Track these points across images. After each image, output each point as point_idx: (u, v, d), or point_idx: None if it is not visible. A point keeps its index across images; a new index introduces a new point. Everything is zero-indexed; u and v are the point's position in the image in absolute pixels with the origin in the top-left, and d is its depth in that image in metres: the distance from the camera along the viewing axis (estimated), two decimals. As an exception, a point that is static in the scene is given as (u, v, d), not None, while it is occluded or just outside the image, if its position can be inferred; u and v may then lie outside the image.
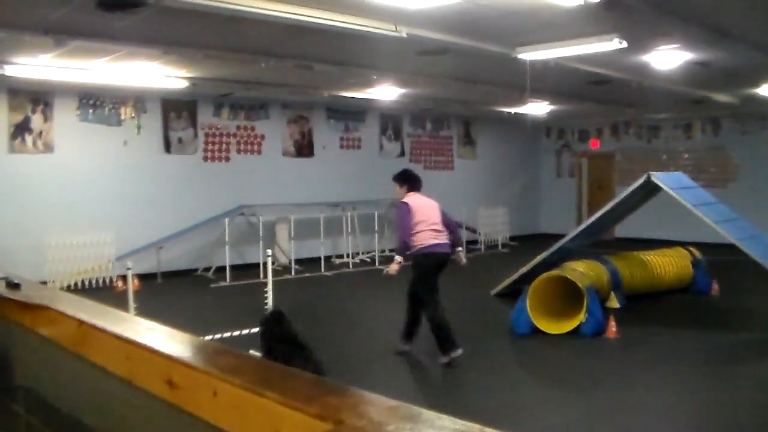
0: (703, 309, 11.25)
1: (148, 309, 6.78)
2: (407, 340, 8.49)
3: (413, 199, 8.40)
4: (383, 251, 16.91)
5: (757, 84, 14.11)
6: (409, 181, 8.65)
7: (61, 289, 11.85)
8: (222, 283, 13.33)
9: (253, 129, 15.94)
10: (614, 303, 10.80)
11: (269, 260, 8.02)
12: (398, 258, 8.26)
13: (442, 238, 8.29)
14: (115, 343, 2.09)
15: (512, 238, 20.13)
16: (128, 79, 11.81)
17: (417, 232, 8.12)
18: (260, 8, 7.29)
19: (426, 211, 8.32)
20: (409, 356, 8.45)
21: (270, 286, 7.65)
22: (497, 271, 13.40)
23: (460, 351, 7.96)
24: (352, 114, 17.70)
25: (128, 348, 2.03)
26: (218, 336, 7.92)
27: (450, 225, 8.62)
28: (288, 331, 6.64)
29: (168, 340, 2.06)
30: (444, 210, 8.72)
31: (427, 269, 8.23)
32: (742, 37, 9.68)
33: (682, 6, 7.90)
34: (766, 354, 8.56)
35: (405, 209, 8.24)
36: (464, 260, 8.93)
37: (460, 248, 8.82)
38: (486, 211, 19.29)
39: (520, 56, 10.14)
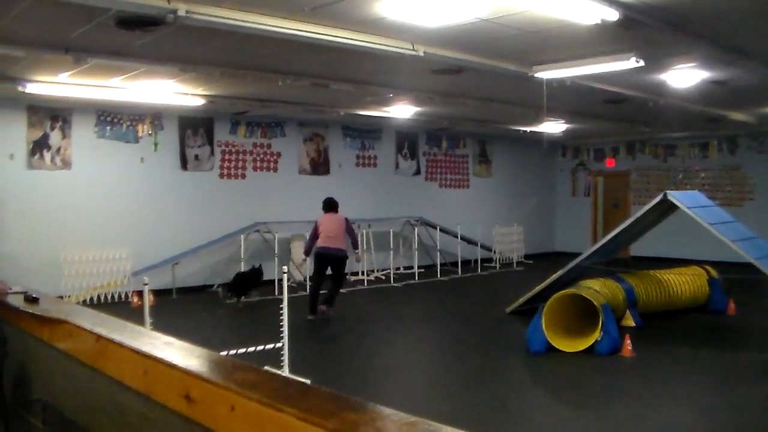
0: (719, 328, 11.17)
1: (164, 324, 6.79)
2: (312, 312, 11.69)
3: (323, 217, 12.08)
4: (398, 269, 16.92)
5: (774, 103, 14.07)
6: (325, 205, 12.32)
7: (78, 303, 11.90)
8: (236, 299, 13.33)
9: (269, 146, 16.00)
10: (630, 321, 10.75)
11: (285, 277, 8.03)
12: (304, 255, 12.79)
13: (332, 243, 11.74)
14: (133, 358, 2.10)
15: (527, 257, 20.09)
16: (146, 97, 11.90)
17: (318, 238, 11.84)
18: (276, 27, 7.35)
19: (326, 225, 11.89)
20: (422, 372, 8.44)
21: (285, 303, 7.65)
22: (512, 289, 13.39)
23: (311, 317, 11.57)
24: (368, 132, 17.74)
25: (146, 362, 2.04)
26: (233, 352, 7.91)
27: (350, 233, 12.10)
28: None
29: (186, 355, 2.07)
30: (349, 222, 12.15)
31: (316, 261, 11.94)
32: (759, 55, 9.66)
33: (699, 25, 7.90)
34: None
35: (315, 224, 12.13)
36: (358, 259, 13.20)
37: (357, 250, 12.76)
38: (501, 229, 19.27)
39: (536, 75, 10.15)
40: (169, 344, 2.21)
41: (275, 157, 16.10)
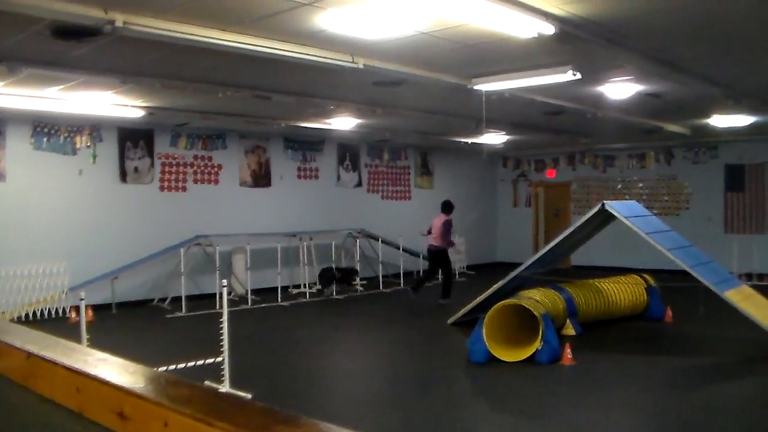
0: (657, 335, 11.38)
1: (102, 340, 6.70)
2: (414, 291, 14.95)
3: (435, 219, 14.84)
4: (341, 281, 16.89)
5: (707, 115, 14.41)
6: (443, 207, 14.98)
7: (12, 320, 11.67)
8: (178, 314, 13.20)
9: (210, 159, 15.88)
10: (570, 330, 10.90)
11: (224, 290, 7.97)
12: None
13: (432, 240, 14.62)
14: (65, 375, 2.06)
15: (469, 267, 20.25)
16: (84, 108, 11.71)
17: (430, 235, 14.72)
18: (216, 38, 7.32)
19: (433, 225, 14.70)
20: (366, 384, 8.44)
21: (225, 317, 7.59)
22: (454, 300, 13.47)
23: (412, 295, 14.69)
24: (309, 144, 17.72)
25: (78, 380, 2.01)
26: (173, 367, 7.83)
27: (443, 231, 14.47)
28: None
29: (120, 372, 2.04)
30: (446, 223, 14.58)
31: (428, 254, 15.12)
32: (692, 69, 9.90)
33: (633, 39, 8.07)
34: (718, 379, 8.67)
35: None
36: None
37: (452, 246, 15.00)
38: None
39: (476, 87, 10.26)
40: (102, 360, 2.18)
41: (216, 169, 15.99)
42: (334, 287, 16.01)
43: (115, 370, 2.07)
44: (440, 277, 15.25)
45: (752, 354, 9.69)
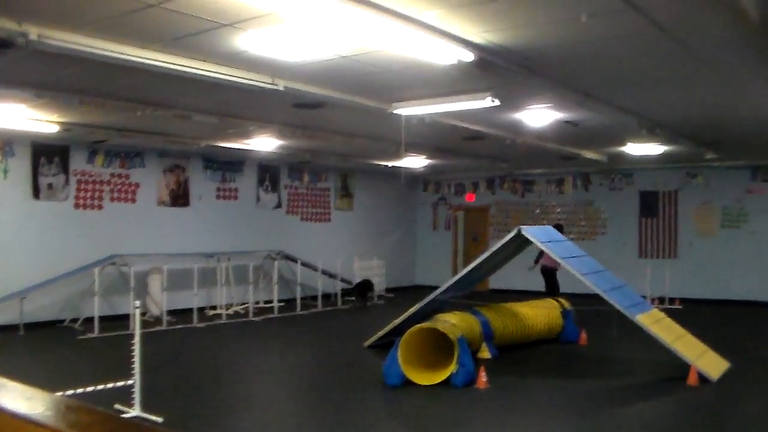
0: (571, 358, 11.57)
1: (5, 364, 6.52)
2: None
3: None
4: (257, 303, 16.74)
5: (622, 143, 14.79)
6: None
7: None
8: (90, 335, 12.88)
9: (127, 177, 15.62)
10: (486, 354, 10.99)
11: (137, 311, 7.83)
12: None
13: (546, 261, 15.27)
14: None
15: (388, 290, 20.28)
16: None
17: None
18: (135, 56, 7.23)
19: None
20: (280, 407, 8.37)
21: (138, 338, 7.45)
22: (372, 322, 13.47)
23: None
24: (229, 164, 17.58)
25: (-27, 406, 1.94)
26: (80, 391, 7.64)
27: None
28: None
29: (16, 397, 1.99)
30: None
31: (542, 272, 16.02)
32: (607, 99, 10.17)
33: (551, 69, 8.26)
34: (629, 400, 8.84)
35: None
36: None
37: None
38: (362, 263, 19.38)
39: (395, 112, 10.34)
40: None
41: (134, 187, 15.73)
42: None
43: (11, 395, 2.01)
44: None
45: (662, 375, 9.92)
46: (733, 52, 7.62)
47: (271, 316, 15.97)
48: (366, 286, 18.53)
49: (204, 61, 7.79)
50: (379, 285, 19.65)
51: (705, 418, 8.07)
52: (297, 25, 6.50)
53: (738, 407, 8.44)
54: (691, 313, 16.03)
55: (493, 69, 7.72)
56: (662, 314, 11.01)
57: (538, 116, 11.58)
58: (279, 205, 18.96)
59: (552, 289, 16.01)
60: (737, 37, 7.00)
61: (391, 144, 14.27)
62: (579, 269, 10.37)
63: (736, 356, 10.70)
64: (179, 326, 14.16)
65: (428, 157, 17.18)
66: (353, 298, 18.54)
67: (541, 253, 15.08)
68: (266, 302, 17.09)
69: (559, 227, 15.59)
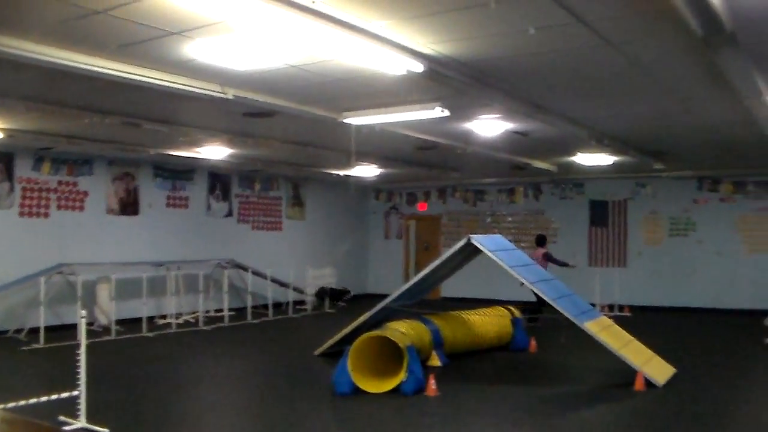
0: (521, 365, 11.65)
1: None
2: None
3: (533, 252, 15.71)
4: (208, 311, 16.61)
5: (572, 153, 14.97)
6: (536, 241, 16.63)
7: None
8: (35, 346, 12.66)
9: (75, 185, 15.40)
10: (436, 361, 11.04)
11: (83, 320, 7.71)
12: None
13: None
14: None
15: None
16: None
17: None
18: (81, 63, 7.16)
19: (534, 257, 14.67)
20: (229, 417, 8.31)
21: (83, 348, 7.35)
22: (323, 331, 13.42)
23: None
24: (179, 173, 17.44)
25: None
26: (23, 403, 7.48)
27: (550, 260, 15.69)
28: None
29: (-50, 411, 1.96)
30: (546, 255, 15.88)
31: None
32: (556, 110, 10.30)
33: (500, 81, 8.35)
34: (578, 405, 8.94)
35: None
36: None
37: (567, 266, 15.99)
38: (314, 271, 19.36)
39: (346, 121, 10.35)
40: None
41: (81, 195, 15.51)
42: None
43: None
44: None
45: (610, 381, 10.05)
46: (677, 65, 7.78)
47: (221, 325, 15.85)
48: (342, 291, 18.96)
49: (152, 69, 7.74)
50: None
51: (651, 423, 8.19)
52: (246, 34, 6.50)
53: (683, 412, 8.57)
54: (640, 320, 16.28)
55: (443, 79, 7.78)
56: (610, 321, 11.15)
57: (489, 126, 11.67)
58: (230, 214, 18.85)
59: (538, 303, 16.00)
60: (681, 50, 7.15)
61: (342, 153, 14.28)
62: (528, 278, 10.47)
63: (682, 362, 10.91)
64: (128, 336, 13.98)
65: (380, 167, 17.22)
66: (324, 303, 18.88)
67: None
68: (217, 311, 16.95)
69: (542, 238, 16.45)
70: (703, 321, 16.98)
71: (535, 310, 15.01)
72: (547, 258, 15.78)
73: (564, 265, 15.83)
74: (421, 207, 22.95)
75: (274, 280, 17.67)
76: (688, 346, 13.33)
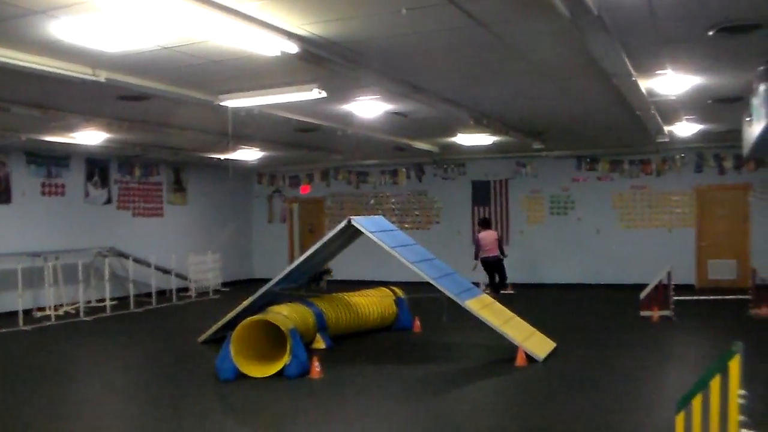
0: (405, 345, 11.81)
1: None
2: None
3: (482, 234, 16.80)
4: (89, 302, 16.19)
5: (453, 133, 15.19)
6: (481, 223, 17.40)
7: None
8: None
9: (-60, 173, 14.77)
10: (320, 344, 11.09)
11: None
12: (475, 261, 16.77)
13: (489, 252, 16.59)
14: None
15: (225, 284, 20.10)
16: None
17: (481, 249, 16.60)
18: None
19: (485, 240, 16.59)
20: (110, 408, 8.16)
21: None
22: (208, 318, 13.29)
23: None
24: (54, 159, 16.87)
25: None
26: None
27: (498, 244, 16.81)
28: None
29: None
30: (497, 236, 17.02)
31: (483, 266, 16.68)
32: (434, 91, 10.42)
33: (375, 62, 8.40)
34: (462, 382, 9.16)
35: (477, 239, 16.94)
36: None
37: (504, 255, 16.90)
38: (197, 257, 19.11)
39: (222, 104, 10.24)
40: None
41: (-52, 185, 14.89)
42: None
43: None
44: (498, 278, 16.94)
45: (492, 358, 10.31)
46: (550, 47, 8.00)
47: (103, 315, 15.48)
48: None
49: (15, 49, 7.45)
50: (215, 279, 19.44)
51: (532, 396, 8.46)
52: (114, 14, 6.32)
53: (562, 384, 8.88)
54: (522, 297, 16.74)
55: (318, 61, 7.77)
56: (491, 299, 11.44)
57: (368, 108, 11.75)
58: (109, 201, 18.38)
59: (502, 280, 16.91)
60: (550, 32, 7.35)
61: (222, 136, 14.12)
62: (409, 258, 10.61)
63: (562, 336, 11.27)
64: (2, 330, 13.50)
65: (261, 150, 17.10)
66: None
67: (478, 249, 16.72)
68: (98, 301, 16.54)
69: (486, 221, 17.31)
70: (583, 296, 17.55)
71: (497, 286, 16.63)
72: (500, 240, 17.02)
73: (502, 255, 16.91)
74: (304, 190, 22.90)
75: (157, 268, 17.35)
76: (568, 321, 13.78)
